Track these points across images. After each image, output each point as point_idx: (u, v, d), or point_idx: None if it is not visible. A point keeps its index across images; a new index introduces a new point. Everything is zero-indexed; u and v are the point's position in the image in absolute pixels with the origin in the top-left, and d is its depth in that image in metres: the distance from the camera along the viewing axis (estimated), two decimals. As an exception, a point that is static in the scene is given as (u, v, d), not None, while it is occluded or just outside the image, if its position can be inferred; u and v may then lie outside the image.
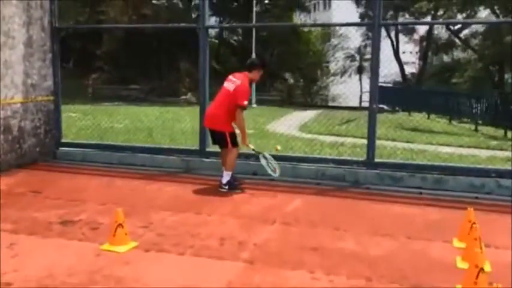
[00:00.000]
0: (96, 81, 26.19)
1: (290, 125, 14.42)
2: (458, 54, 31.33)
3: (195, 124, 8.61)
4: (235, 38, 34.88)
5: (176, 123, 13.15)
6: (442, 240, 4.33)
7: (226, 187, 5.91)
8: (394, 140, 11.01)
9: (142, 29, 25.06)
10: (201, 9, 6.98)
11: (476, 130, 16.76)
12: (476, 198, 5.72)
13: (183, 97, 25.65)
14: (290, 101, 29.22)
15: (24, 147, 7.07)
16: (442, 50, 31.39)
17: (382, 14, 6.25)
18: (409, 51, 42.14)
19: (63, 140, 7.81)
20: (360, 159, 6.61)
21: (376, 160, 6.45)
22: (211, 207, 5.28)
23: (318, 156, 6.84)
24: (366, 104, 27.91)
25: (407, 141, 11.05)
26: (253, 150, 6.15)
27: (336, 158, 6.73)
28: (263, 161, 6.15)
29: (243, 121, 5.85)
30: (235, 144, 5.95)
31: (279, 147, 6.66)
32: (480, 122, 17.59)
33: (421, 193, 5.99)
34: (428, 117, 19.99)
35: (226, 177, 5.93)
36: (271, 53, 31.84)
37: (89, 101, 21.41)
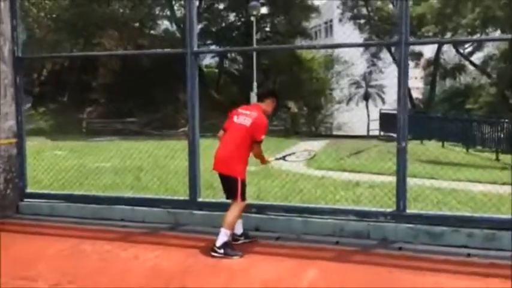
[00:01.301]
0: (91, 114, 25.13)
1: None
2: (467, 78, 30.33)
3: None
4: (236, 67, 34.00)
5: (170, 161, 11.89)
6: None
7: (222, 251, 4.63)
8: (414, 176, 9.70)
9: (138, 59, 24.11)
10: (189, 33, 5.82)
11: (497, 159, 15.44)
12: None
13: (182, 129, 24.50)
14: (294, 130, 28.03)
15: (-23, 202, 5.83)
16: (451, 75, 30.36)
17: (408, 32, 5.07)
18: (414, 76, 41.14)
19: (28, 190, 6.56)
20: (388, 210, 5.32)
21: (408, 211, 5.16)
22: (197, 283, 3.99)
23: (335, 206, 5.57)
24: (373, 133, 26.80)
25: (431, 177, 9.73)
26: (276, 159, 5.44)
27: (358, 208, 5.44)
28: (292, 158, 5.50)
29: (261, 151, 5.02)
30: (243, 196, 4.83)
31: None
32: (499, 150, 16.31)
33: (469, 255, 4.69)
34: (443, 146, 18.70)
35: (222, 237, 4.67)
36: (274, 81, 30.86)
37: (82, 137, 20.33)
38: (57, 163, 10.35)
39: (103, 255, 4.72)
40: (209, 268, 4.34)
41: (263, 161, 5.10)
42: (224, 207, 5.50)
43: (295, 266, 4.39)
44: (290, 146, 16.93)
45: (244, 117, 4.89)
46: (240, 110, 5.01)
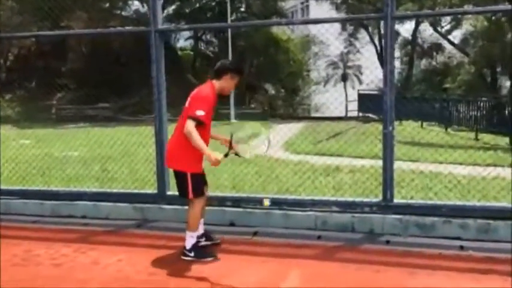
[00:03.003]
0: (61, 101, 24.17)
1: (273, 142, 12.65)
2: (443, 58, 30.16)
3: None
4: (211, 49, 33.22)
5: (141, 149, 11.31)
6: None
7: (192, 254, 4.14)
8: (395, 159, 9.34)
9: (108, 42, 23.18)
10: (152, 9, 5.24)
11: (476, 139, 15.26)
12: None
13: (157, 114, 23.79)
14: (272, 113, 27.54)
15: None
16: (428, 54, 30.12)
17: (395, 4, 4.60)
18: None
19: (-20, 186, 5.97)
20: (374, 200, 4.90)
21: (396, 201, 4.76)
22: (166, 294, 3.51)
23: (316, 197, 5.12)
24: (352, 114, 26.48)
25: (412, 160, 9.37)
26: (226, 155, 4.01)
27: (341, 199, 5.00)
28: (247, 152, 4.07)
29: (195, 134, 3.86)
30: (198, 192, 4.12)
31: (267, 203, 4.90)
32: (478, 129, 16.15)
33: (462, 247, 4.31)
34: (422, 126, 18.48)
35: (189, 240, 4.16)
36: (250, 64, 30.23)
37: (52, 124, 19.47)
38: (21, 153, 9.70)
39: (58, 261, 4.18)
40: (176, 276, 3.83)
41: (208, 157, 3.85)
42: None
43: (276, 268, 3.94)
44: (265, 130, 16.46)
45: (188, 99, 4.11)
46: (192, 92, 4.18)
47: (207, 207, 4.50)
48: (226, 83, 4.17)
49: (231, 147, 4.05)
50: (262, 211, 5.00)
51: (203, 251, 4.20)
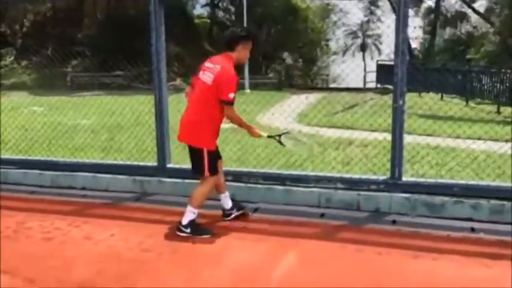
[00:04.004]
0: (76, 68, 24.09)
1: (287, 113, 12.34)
2: (467, 27, 29.12)
3: (173, 118, 6.73)
4: (228, 17, 32.65)
5: (152, 118, 11.16)
6: None
7: (188, 230, 3.98)
8: (410, 133, 8.98)
9: (123, 9, 22.90)
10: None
11: (498, 112, 14.76)
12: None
13: (172, 83, 23.59)
14: (289, 83, 27.11)
15: None
16: (452, 23, 29.10)
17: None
18: (413, 25, 39.76)
19: (-20, 155, 5.88)
20: (381, 177, 4.66)
21: (405, 179, 4.50)
22: (155, 274, 3.35)
23: (321, 173, 4.89)
24: (370, 85, 25.91)
25: (428, 134, 9.03)
26: (269, 137, 4.17)
27: (347, 176, 4.76)
28: (289, 143, 4.19)
29: (237, 115, 3.97)
30: (213, 171, 3.99)
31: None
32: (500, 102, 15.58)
33: (473, 229, 4.07)
34: (442, 99, 17.94)
35: (189, 215, 3.99)
36: (268, 32, 29.65)
37: (66, 91, 19.42)
38: (33, 121, 9.64)
39: (50, 235, 4.06)
40: (169, 255, 3.67)
41: (251, 132, 4.08)
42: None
43: (273, 249, 3.74)
44: (281, 100, 16.19)
45: (208, 72, 3.90)
46: (206, 63, 3.98)
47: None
48: (240, 54, 3.99)
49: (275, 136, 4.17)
50: (264, 186, 4.81)
51: (200, 228, 4.03)
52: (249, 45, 4.01)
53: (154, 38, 4.97)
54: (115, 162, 5.81)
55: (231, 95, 3.81)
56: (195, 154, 3.99)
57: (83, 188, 5.36)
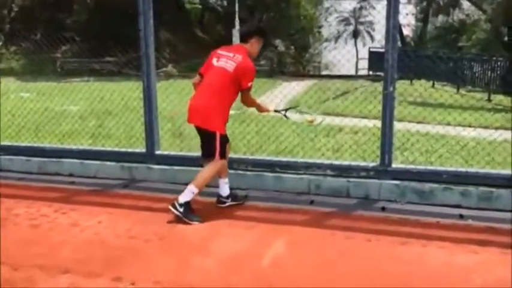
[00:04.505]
0: (66, 54, 23.81)
1: (278, 101, 12.28)
2: (460, 15, 29.03)
3: (165, 105, 6.73)
4: (219, 3, 32.31)
5: (141, 103, 11.04)
6: None
7: (182, 210, 3.93)
8: (401, 120, 8.97)
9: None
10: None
11: (489, 100, 14.81)
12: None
13: (163, 69, 23.38)
14: (280, 70, 26.97)
15: None
16: (444, 11, 28.99)
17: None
18: (406, 12, 39.65)
19: (-35, 141, 5.79)
20: (371, 164, 4.64)
21: (394, 166, 4.49)
22: (142, 261, 3.32)
23: (310, 160, 4.88)
24: (362, 72, 25.87)
25: (418, 121, 9.04)
26: (276, 111, 4.58)
27: (336, 163, 4.74)
28: (294, 117, 4.77)
29: (253, 99, 4.30)
30: (223, 155, 4.09)
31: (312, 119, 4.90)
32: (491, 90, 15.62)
33: (461, 216, 4.07)
34: (433, 86, 17.96)
35: (188, 194, 3.97)
36: (260, 19, 29.42)
37: (55, 77, 19.18)
38: (19, 106, 9.52)
39: (36, 222, 4.01)
40: (157, 242, 3.63)
41: (260, 109, 4.41)
42: (187, 161, 4.86)
43: (262, 236, 3.72)
44: (272, 87, 16.11)
45: (226, 59, 4.06)
46: (220, 51, 4.16)
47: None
48: (253, 47, 4.22)
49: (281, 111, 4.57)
50: (253, 173, 4.78)
51: (192, 211, 3.99)
52: (262, 40, 4.27)
53: (142, 22, 4.89)
54: (103, 148, 5.75)
55: (250, 84, 4.08)
56: (208, 137, 4.05)
57: (71, 175, 5.31)
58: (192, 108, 4.09)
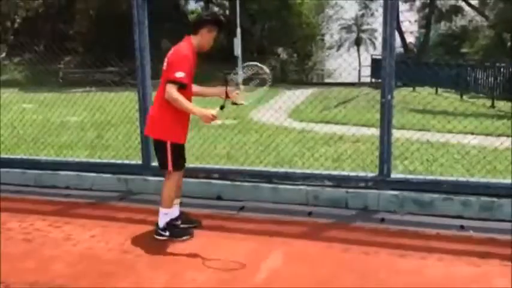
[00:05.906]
0: (69, 64, 23.90)
1: (280, 109, 12.20)
2: (462, 21, 28.95)
3: None
4: (222, 12, 32.42)
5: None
6: None
7: (167, 233, 3.84)
8: (401, 127, 8.87)
9: (115, 4, 22.70)
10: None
11: (493, 106, 14.70)
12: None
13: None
14: (283, 78, 26.95)
15: None
16: (447, 17, 28.90)
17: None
18: (408, 20, 39.63)
19: (-38, 154, 5.76)
20: (369, 174, 4.56)
21: (393, 176, 4.41)
22: (135, 276, 3.25)
23: (308, 171, 4.80)
24: (365, 79, 25.79)
25: (420, 129, 8.93)
26: (222, 108, 3.60)
27: (334, 173, 4.67)
28: (239, 77, 3.80)
29: (175, 97, 3.51)
30: (177, 165, 3.77)
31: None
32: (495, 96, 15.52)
33: (462, 227, 3.98)
34: (436, 93, 17.88)
35: (162, 218, 3.83)
36: (262, 27, 29.49)
37: (58, 88, 19.23)
38: (21, 118, 9.51)
39: (30, 236, 3.95)
40: (149, 256, 3.55)
41: (201, 116, 3.52)
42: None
43: (257, 249, 3.64)
44: (275, 95, 16.05)
45: (165, 59, 3.69)
46: (169, 53, 3.73)
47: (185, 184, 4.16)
48: (204, 38, 3.72)
49: (227, 96, 3.68)
50: (250, 184, 4.71)
51: (179, 230, 3.89)
52: (214, 30, 3.75)
53: (137, 33, 4.85)
54: (99, 160, 5.70)
55: (179, 74, 3.50)
56: (158, 147, 3.78)
57: (67, 187, 5.25)
58: (147, 118, 3.91)
